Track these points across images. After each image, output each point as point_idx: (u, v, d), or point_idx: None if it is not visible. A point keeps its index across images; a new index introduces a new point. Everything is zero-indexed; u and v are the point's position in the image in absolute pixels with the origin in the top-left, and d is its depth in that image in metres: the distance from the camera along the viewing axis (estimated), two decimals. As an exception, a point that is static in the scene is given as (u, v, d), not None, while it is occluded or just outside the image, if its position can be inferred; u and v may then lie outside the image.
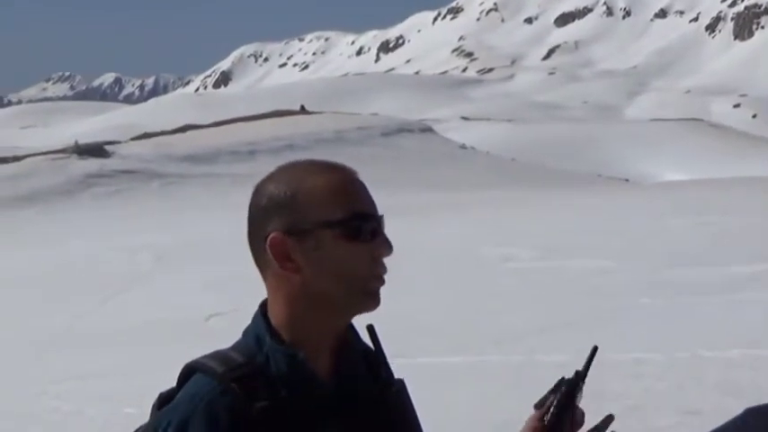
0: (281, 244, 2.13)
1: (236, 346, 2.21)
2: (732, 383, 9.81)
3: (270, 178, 2.20)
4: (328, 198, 2.14)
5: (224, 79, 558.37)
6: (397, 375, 2.38)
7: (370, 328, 2.33)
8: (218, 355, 2.17)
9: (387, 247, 2.19)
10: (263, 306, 2.23)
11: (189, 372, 2.18)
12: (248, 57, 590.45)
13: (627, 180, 75.26)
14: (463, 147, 75.85)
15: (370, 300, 2.18)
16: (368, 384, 2.26)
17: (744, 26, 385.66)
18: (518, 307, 14.60)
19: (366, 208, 2.18)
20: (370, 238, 2.17)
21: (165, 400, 2.22)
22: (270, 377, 2.12)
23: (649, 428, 8.44)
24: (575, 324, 13.63)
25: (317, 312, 2.17)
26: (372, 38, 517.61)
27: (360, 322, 2.31)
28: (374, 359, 2.32)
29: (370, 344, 2.38)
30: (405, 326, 12.82)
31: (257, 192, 2.21)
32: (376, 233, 2.18)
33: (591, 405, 9.44)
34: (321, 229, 2.13)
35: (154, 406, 2.24)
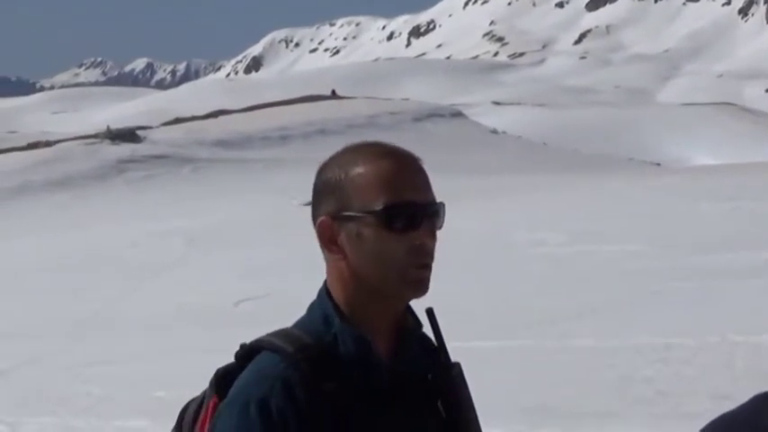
0: (328, 228, 2.18)
1: (301, 325, 2.22)
2: (763, 368, 9.77)
3: (331, 159, 2.24)
4: (372, 186, 2.16)
5: (255, 65, 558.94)
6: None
7: (430, 312, 2.33)
8: (286, 334, 2.18)
9: (428, 236, 2.19)
10: (327, 286, 2.24)
11: (253, 350, 2.20)
12: (279, 42, 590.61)
13: (659, 164, 74.94)
14: (494, 131, 75.66)
15: (411, 288, 2.19)
16: (426, 368, 2.27)
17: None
18: (549, 291, 14.56)
19: (410, 197, 2.17)
20: (410, 227, 2.16)
21: (224, 376, 2.23)
22: (337, 357, 2.14)
23: (680, 414, 8.41)
24: (606, 309, 13.60)
25: (367, 296, 2.19)
26: (403, 22, 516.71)
27: (419, 306, 2.31)
28: (431, 343, 2.34)
29: (430, 328, 2.38)
30: (437, 311, 12.79)
31: (318, 173, 2.24)
32: (418, 222, 2.17)
33: (621, 390, 9.44)
34: (363, 216, 2.15)
35: (212, 382, 2.25)
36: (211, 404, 2.22)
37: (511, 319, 12.69)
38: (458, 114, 79.09)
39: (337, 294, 2.20)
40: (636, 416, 8.75)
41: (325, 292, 2.23)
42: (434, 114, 74.73)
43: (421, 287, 2.19)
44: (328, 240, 2.17)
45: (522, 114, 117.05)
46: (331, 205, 2.17)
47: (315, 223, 2.22)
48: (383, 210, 2.14)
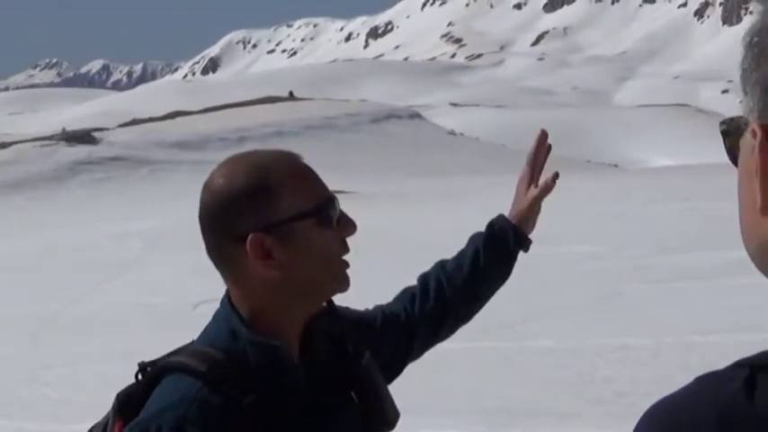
0: (260, 244, 2.09)
1: (208, 341, 2.15)
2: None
3: (223, 174, 2.13)
4: (296, 188, 2.11)
5: (212, 66, 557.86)
6: None
7: (329, 303, 2.30)
8: (194, 353, 2.11)
9: (352, 226, 2.19)
10: (230, 297, 2.17)
11: (160, 372, 2.12)
12: (237, 43, 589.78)
13: (616, 166, 75.37)
14: (452, 133, 75.84)
15: (345, 281, 2.19)
16: (336, 361, 2.26)
17: (732, 11, 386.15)
18: (508, 293, 14.56)
19: (327, 192, 2.17)
20: (339, 221, 2.16)
21: (127, 399, 2.15)
22: (251, 370, 2.09)
23: (638, 414, 8.42)
24: (564, 310, 13.66)
25: (296, 302, 2.15)
26: (361, 24, 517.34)
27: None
28: (340, 335, 2.31)
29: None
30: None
31: (212, 189, 2.13)
32: (340, 215, 2.17)
33: (580, 390, 9.49)
34: (298, 220, 2.10)
35: (114, 406, 2.17)
36: (116, 430, 2.14)
37: (472, 321, 12.69)
38: (415, 116, 79.20)
39: (252, 305, 2.13)
40: (594, 416, 8.79)
41: (228, 304, 2.16)
42: (392, 116, 74.78)
43: (348, 281, 2.19)
44: (263, 256, 2.09)
45: (480, 115, 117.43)
46: (254, 218, 2.08)
47: (217, 240, 2.14)
48: (317, 208, 2.12)
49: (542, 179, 2.74)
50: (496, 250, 2.65)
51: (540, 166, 2.79)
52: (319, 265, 2.14)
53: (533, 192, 2.72)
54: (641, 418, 1.09)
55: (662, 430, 1.09)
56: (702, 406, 1.06)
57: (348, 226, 2.18)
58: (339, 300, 2.30)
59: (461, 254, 2.67)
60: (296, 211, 2.10)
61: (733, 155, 1.22)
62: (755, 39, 1.16)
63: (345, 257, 2.19)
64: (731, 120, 1.23)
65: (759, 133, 1.12)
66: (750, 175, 1.15)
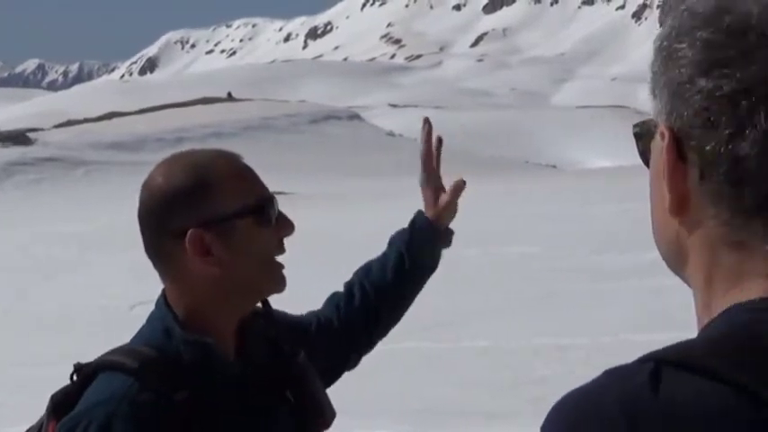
0: (200, 240, 2.10)
1: (142, 339, 2.17)
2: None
3: (162, 173, 2.15)
4: (235, 186, 2.13)
5: (150, 66, 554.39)
6: None
7: (265, 304, 2.33)
8: (128, 351, 2.13)
9: (290, 225, 2.20)
10: (166, 296, 2.19)
11: (94, 371, 2.12)
12: (175, 43, 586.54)
13: (554, 166, 75.81)
14: (391, 134, 75.91)
15: (282, 282, 2.20)
16: (271, 361, 2.27)
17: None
18: (445, 293, 14.64)
19: (267, 192, 2.19)
20: (277, 220, 2.18)
21: (63, 400, 2.15)
22: (183, 367, 2.10)
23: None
24: (500, 310, 13.72)
25: (232, 300, 2.17)
26: (300, 24, 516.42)
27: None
28: (275, 335, 2.32)
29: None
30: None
31: (151, 187, 2.15)
32: (279, 215, 2.19)
33: (515, 390, 9.55)
34: (237, 218, 2.12)
35: (48, 407, 2.17)
36: (50, 430, 2.14)
37: (406, 321, 12.72)
38: (354, 117, 79.21)
39: (188, 302, 2.15)
40: (528, 416, 8.84)
41: (163, 302, 2.18)
42: (331, 116, 74.75)
43: (285, 281, 2.21)
44: (202, 252, 2.10)
45: (419, 116, 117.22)
46: (193, 215, 2.10)
47: (155, 238, 2.15)
48: (256, 206, 2.14)
49: (449, 182, 2.73)
50: (420, 248, 2.66)
51: (436, 161, 2.78)
52: (258, 264, 2.15)
53: (444, 198, 2.72)
54: (550, 411, 1.11)
55: (569, 423, 1.11)
56: (608, 399, 1.09)
57: (286, 226, 2.19)
58: (278, 301, 2.31)
59: (385, 255, 2.68)
60: (235, 208, 2.12)
61: (645, 157, 1.26)
62: (664, 43, 1.19)
63: (280, 258, 2.20)
64: (643, 122, 1.27)
65: (666, 135, 1.16)
66: (659, 177, 1.19)
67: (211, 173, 2.12)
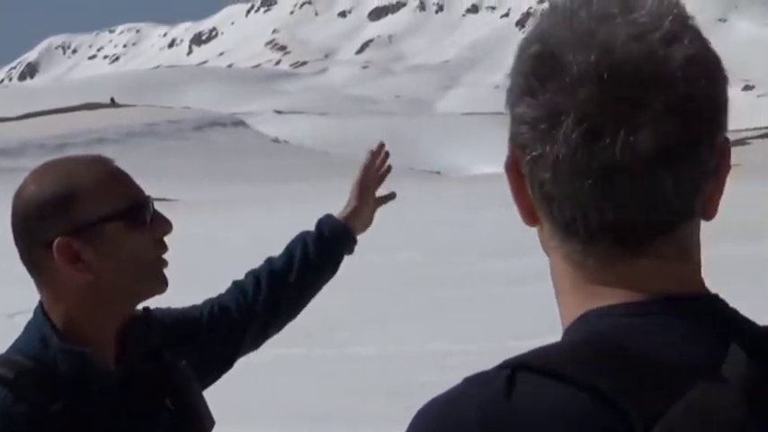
0: (68, 247, 2.08)
1: (18, 349, 2.13)
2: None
3: (33, 181, 2.14)
4: (104, 191, 2.11)
5: (30, 71, 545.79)
6: None
7: (146, 310, 2.29)
8: (2, 362, 2.10)
9: (166, 224, 2.18)
10: (43, 305, 2.16)
11: None
12: (56, 48, 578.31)
13: (439, 173, 76.38)
14: (276, 140, 75.81)
15: (161, 282, 2.18)
16: (152, 368, 2.24)
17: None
18: (330, 301, 14.61)
19: (139, 194, 2.17)
20: (152, 221, 2.16)
21: None
22: (60, 377, 2.07)
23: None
24: (388, 317, 13.73)
25: (109, 305, 2.14)
26: (185, 30, 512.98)
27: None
28: (157, 342, 2.29)
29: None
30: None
31: (23, 196, 2.14)
32: (153, 215, 2.17)
33: (401, 396, 9.52)
34: (105, 223, 2.10)
35: None
36: None
37: (290, 328, 12.68)
38: (239, 123, 78.99)
39: (64, 311, 2.12)
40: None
41: (41, 311, 2.15)
42: (216, 123, 74.41)
43: (165, 282, 2.19)
44: (71, 260, 2.08)
45: (305, 123, 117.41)
46: (62, 224, 2.08)
47: (28, 248, 2.14)
48: (126, 210, 2.11)
49: (381, 191, 2.83)
50: (326, 249, 2.69)
51: (375, 176, 2.86)
52: (131, 267, 2.13)
53: (370, 202, 2.81)
54: (413, 418, 1.16)
55: (430, 430, 1.14)
56: (467, 406, 1.12)
57: (162, 224, 2.18)
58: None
59: (290, 251, 2.69)
60: (103, 213, 2.10)
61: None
62: (512, 67, 1.23)
63: (165, 256, 2.19)
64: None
65: (509, 152, 1.21)
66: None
67: (80, 179, 2.11)
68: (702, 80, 1.15)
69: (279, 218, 24.59)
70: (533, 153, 1.16)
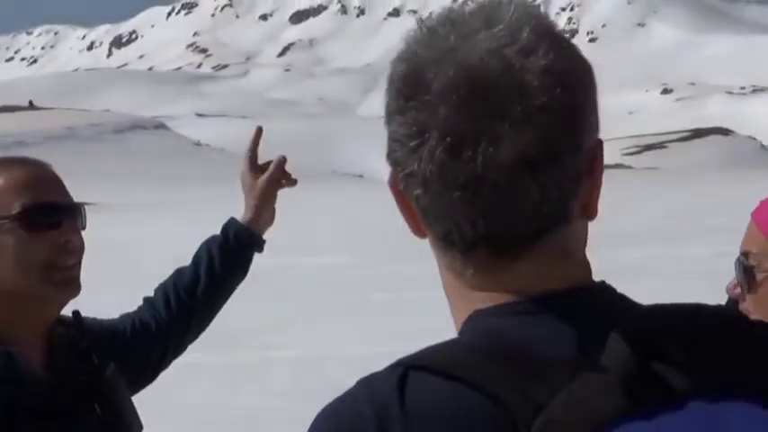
0: None
1: None
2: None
3: None
4: (7, 193, 2.12)
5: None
6: None
7: (76, 314, 2.30)
8: None
9: (71, 233, 2.17)
10: None
11: None
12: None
13: (361, 176, 76.40)
14: (198, 143, 75.41)
15: (60, 289, 2.18)
16: (80, 373, 2.25)
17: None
18: (252, 304, 14.59)
19: (47, 198, 2.16)
20: (52, 226, 2.15)
21: None
22: None
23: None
24: (308, 320, 13.76)
25: (14, 308, 2.15)
26: (104, 32, 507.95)
27: (66, 309, 2.29)
28: (86, 346, 2.30)
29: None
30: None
31: None
32: (60, 221, 2.16)
33: (323, 399, 9.58)
34: (1, 223, 2.12)
35: None
36: None
37: (212, 332, 12.65)
38: (160, 126, 78.44)
39: None
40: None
41: None
42: (137, 126, 73.84)
43: (71, 286, 2.18)
44: None
45: (227, 126, 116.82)
46: None
47: None
48: (22, 212, 2.12)
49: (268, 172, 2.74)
50: (232, 253, 2.68)
51: (261, 164, 2.79)
52: (25, 270, 2.13)
53: (268, 198, 2.74)
54: (313, 420, 1.21)
55: (328, 431, 1.19)
56: (361, 406, 1.15)
57: (66, 233, 2.17)
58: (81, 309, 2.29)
59: (197, 260, 2.68)
60: (2, 213, 2.12)
61: None
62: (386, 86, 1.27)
63: (66, 265, 2.17)
64: None
65: (390, 168, 1.25)
66: None
67: None
68: (558, 89, 1.16)
69: (200, 221, 24.47)
70: (406, 170, 1.19)
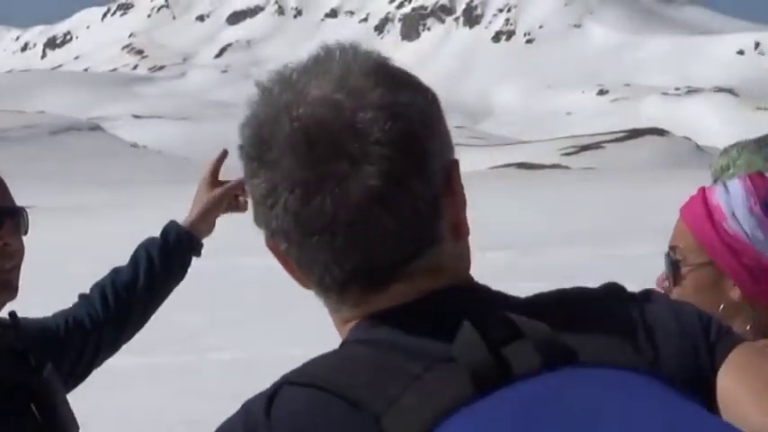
0: None
1: None
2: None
3: None
4: None
5: None
6: None
7: (12, 315, 2.29)
8: None
9: (10, 237, 2.17)
10: None
11: None
12: None
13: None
14: (135, 145, 75.04)
15: (2, 290, 2.17)
16: (17, 374, 2.24)
17: (411, 27, 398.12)
18: (188, 306, 14.54)
19: None
20: None
21: None
22: None
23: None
24: (245, 322, 13.73)
25: None
26: (38, 33, 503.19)
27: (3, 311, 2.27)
28: (23, 348, 2.29)
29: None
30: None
31: None
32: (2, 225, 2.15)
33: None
34: None
35: None
36: None
37: (149, 336, 12.58)
38: (96, 128, 77.97)
39: None
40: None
41: None
42: (72, 128, 73.37)
43: (7, 290, 2.18)
44: None
45: (164, 128, 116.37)
46: None
47: None
48: None
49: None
50: (172, 256, 2.69)
51: (224, 188, 2.82)
52: None
53: (217, 209, 2.78)
54: None
55: None
56: (238, 426, 1.21)
57: (4, 235, 2.17)
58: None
59: (135, 260, 2.68)
60: None
61: None
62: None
63: (10, 266, 2.18)
64: None
65: None
66: None
67: None
68: (391, 121, 1.21)
69: (137, 223, 24.35)
70: (270, 228, 1.26)
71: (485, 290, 1.29)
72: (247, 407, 1.23)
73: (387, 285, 1.25)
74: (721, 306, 2.21)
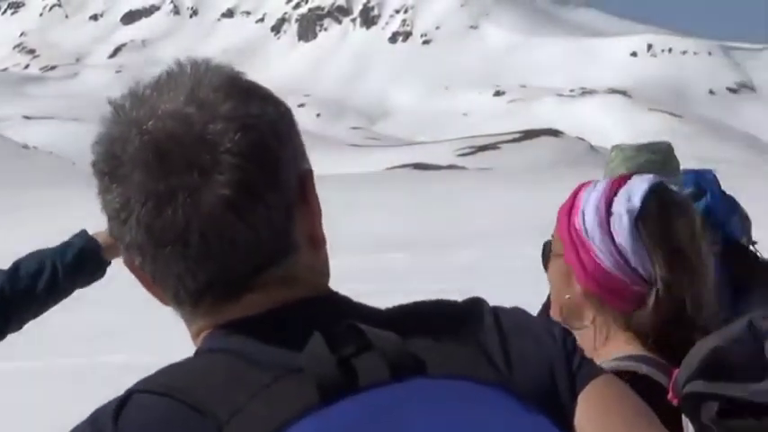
0: None
1: None
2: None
3: None
4: None
5: None
6: None
7: None
8: None
9: None
10: None
11: None
12: None
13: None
14: (25, 147, 74.00)
15: None
16: None
17: (308, 28, 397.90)
18: (76, 309, 14.32)
19: None
20: None
21: None
22: None
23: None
24: (136, 325, 13.56)
25: None
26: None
27: None
28: None
29: None
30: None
31: None
32: None
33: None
34: None
35: None
36: None
37: (38, 339, 12.35)
38: (-14, 128, 76.70)
39: None
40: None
41: None
42: (-39, 128, 72.00)
43: None
44: None
45: (56, 129, 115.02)
46: None
47: None
48: None
49: None
50: (76, 275, 2.70)
51: None
52: None
53: None
54: None
55: None
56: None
57: None
58: None
59: (40, 264, 2.64)
60: None
61: None
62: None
63: None
64: None
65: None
66: None
67: None
68: (240, 132, 1.23)
69: (26, 225, 23.93)
70: (124, 243, 1.26)
71: (342, 300, 1.30)
72: (96, 415, 1.22)
73: (240, 296, 1.26)
74: (567, 296, 2.26)
